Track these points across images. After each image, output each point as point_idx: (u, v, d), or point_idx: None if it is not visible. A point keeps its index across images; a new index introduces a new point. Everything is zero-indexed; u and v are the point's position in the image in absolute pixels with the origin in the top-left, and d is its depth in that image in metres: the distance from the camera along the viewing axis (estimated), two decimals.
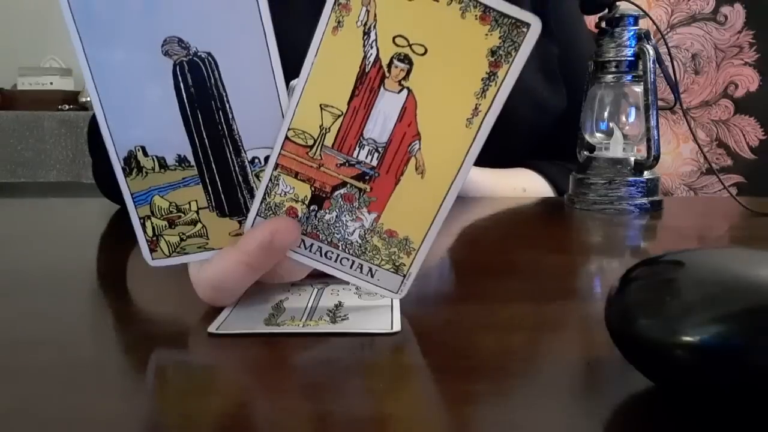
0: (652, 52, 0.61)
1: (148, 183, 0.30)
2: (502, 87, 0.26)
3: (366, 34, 0.27)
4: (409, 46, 0.26)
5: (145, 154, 0.29)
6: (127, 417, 0.21)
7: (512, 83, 0.26)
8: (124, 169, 0.30)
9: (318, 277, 0.32)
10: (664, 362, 0.20)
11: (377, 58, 0.27)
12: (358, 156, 0.28)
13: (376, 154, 0.28)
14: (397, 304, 0.31)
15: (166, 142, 0.29)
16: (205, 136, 0.29)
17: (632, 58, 0.62)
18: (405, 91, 0.27)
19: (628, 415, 0.21)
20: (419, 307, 0.31)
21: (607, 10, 0.63)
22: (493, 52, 0.26)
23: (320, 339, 0.27)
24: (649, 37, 0.63)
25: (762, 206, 0.60)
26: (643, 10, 0.63)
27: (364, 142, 0.28)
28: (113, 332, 0.30)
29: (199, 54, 0.28)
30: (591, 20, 0.85)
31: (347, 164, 0.28)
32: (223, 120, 0.29)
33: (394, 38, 0.26)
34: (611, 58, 0.63)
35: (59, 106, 2.20)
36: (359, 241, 0.29)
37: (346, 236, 0.29)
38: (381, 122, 0.27)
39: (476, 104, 0.27)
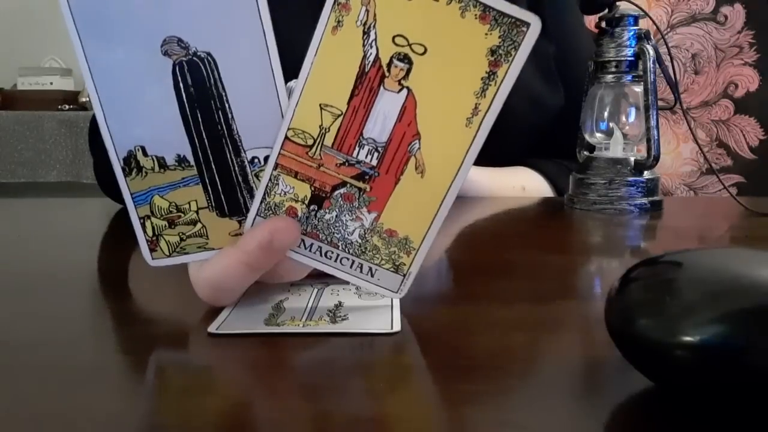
0: (652, 52, 0.61)
1: (148, 183, 0.30)
2: (501, 86, 0.26)
3: (366, 33, 0.27)
4: (409, 45, 0.26)
5: (145, 154, 0.29)
6: (127, 417, 0.21)
7: (512, 83, 0.26)
8: (123, 169, 0.30)
9: (318, 277, 0.32)
10: (664, 362, 0.20)
11: (377, 58, 0.27)
12: (357, 155, 0.28)
13: (375, 154, 0.28)
14: (397, 303, 0.31)
15: (165, 142, 0.29)
16: (204, 136, 0.29)
17: (632, 58, 0.62)
18: (405, 91, 0.27)
19: (628, 415, 0.21)
20: (419, 307, 0.31)
21: (607, 10, 0.63)
22: (492, 52, 0.26)
23: (320, 339, 0.27)
24: (649, 37, 0.63)
25: (762, 206, 0.60)
26: (643, 10, 0.63)
27: (364, 142, 0.28)
28: (113, 332, 0.30)
29: (198, 54, 0.28)
30: (591, 20, 0.85)
31: (347, 164, 0.28)
32: (222, 120, 0.28)
33: (393, 38, 0.26)
34: (611, 58, 0.63)
35: (59, 106, 2.20)
36: (359, 240, 0.29)
37: (346, 236, 0.29)
38: (381, 122, 0.27)
39: (476, 104, 0.27)
